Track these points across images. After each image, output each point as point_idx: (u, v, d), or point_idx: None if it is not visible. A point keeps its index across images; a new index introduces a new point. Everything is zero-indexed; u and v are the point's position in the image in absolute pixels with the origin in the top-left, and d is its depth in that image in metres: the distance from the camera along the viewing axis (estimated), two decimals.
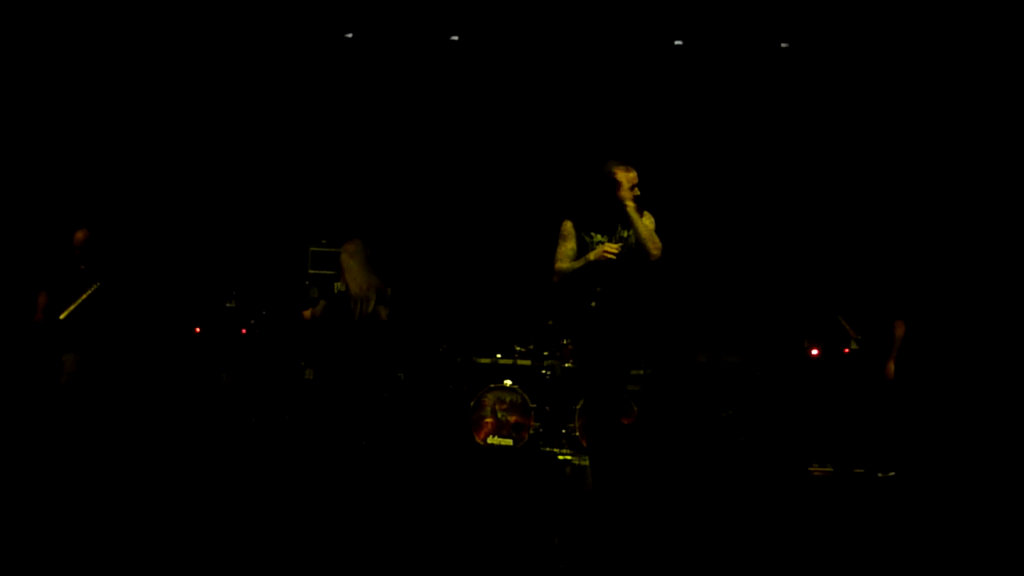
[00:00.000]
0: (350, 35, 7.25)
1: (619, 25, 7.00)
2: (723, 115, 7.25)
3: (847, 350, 5.81)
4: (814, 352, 6.08)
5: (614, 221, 3.97)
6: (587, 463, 5.24)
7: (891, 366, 5.73)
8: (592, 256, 3.89)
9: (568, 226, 4.01)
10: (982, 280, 6.62)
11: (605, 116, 7.21)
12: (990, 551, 3.55)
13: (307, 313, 5.50)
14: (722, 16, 6.87)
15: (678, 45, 7.17)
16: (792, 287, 6.81)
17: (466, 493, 4.61)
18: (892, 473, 5.54)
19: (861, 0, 6.54)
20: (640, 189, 3.96)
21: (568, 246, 3.97)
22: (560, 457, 6.06)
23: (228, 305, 6.85)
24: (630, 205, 3.91)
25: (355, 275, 5.36)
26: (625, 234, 3.97)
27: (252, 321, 6.84)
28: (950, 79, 6.79)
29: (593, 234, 3.96)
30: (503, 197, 7.30)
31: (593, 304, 3.96)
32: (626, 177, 3.93)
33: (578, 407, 6.18)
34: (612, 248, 3.86)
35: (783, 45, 7.10)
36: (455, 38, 7.28)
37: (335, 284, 5.35)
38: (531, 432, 6.16)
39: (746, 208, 7.18)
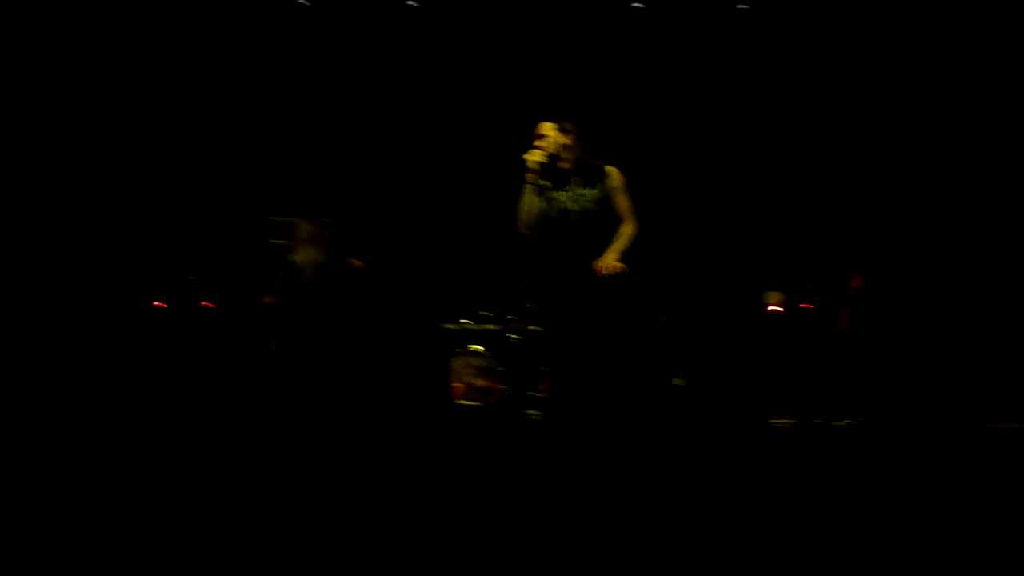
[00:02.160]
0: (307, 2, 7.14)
1: None
2: (682, 76, 7.28)
3: (804, 304, 5.96)
4: (772, 308, 6.22)
5: (565, 176, 4.13)
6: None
7: (844, 316, 5.86)
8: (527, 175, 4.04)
9: (527, 188, 4.14)
10: (940, 232, 6.79)
11: (564, 78, 7.20)
12: (950, 499, 3.67)
13: (268, 299, 5.50)
14: None
15: (637, 7, 7.19)
16: (749, 243, 6.93)
17: (439, 452, 4.66)
18: (850, 422, 5.71)
19: None
20: (556, 138, 4.10)
21: (531, 199, 4.11)
22: (529, 414, 6.10)
23: (189, 279, 6.76)
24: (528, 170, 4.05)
25: (304, 247, 5.41)
26: (584, 191, 4.09)
27: (213, 294, 6.77)
28: (913, 35, 6.89)
29: (550, 193, 4.12)
30: (465, 160, 7.28)
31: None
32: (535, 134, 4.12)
33: (545, 369, 6.24)
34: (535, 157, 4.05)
35: (741, 6, 7.17)
36: (413, 3, 7.22)
37: (288, 255, 5.38)
38: (500, 396, 6.22)
39: (703, 166, 7.26)
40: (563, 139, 4.09)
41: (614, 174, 4.15)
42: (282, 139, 7.33)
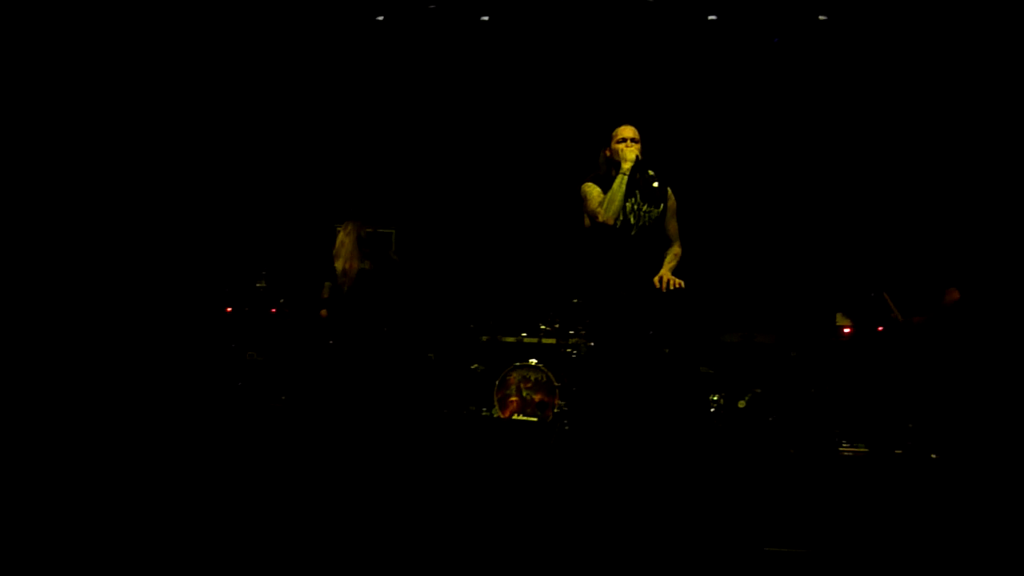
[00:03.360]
0: (381, 17, 7.27)
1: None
2: (750, 89, 7.07)
3: (880, 328, 5.63)
4: (846, 331, 5.90)
5: (630, 187, 3.96)
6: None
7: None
8: (623, 162, 3.89)
9: (588, 184, 4.04)
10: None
11: (627, 94, 7.10)
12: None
13: (324, 312, 5.58)
14: None
15: (712, 20, 7.03)
16: (824, 264, 6.63)
17: (486, 469, 4.59)
18: (933, 455, 5.35)
19: None
20: (642, 144, 3.97)
21: (598, 191, 3.96)
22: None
23: (258, 285, 6.93)
24: (626, 160, 3.90)
25: (344, 255, 5.45)
26: (645, 207, 3.96)
27: (281, 300, 6.92)
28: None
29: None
30: (528, 175, 7.25)
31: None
32: (617, 133, 4.02)
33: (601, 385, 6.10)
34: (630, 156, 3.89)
35: (821, 18, 6.91)
36: (485, 18, 7.25)
37: (336, 264, 5.43)
38: (556, 411, 6.11)
39: (775, 184, 7.01)
40: (626, 133, 4.03)
41: (671, 196, 4.12)
42: (353, 152, 7.47)
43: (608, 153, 4.09)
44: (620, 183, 3.91)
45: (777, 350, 6.43)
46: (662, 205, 4.04)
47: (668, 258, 4.12)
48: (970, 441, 5.47)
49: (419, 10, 7.14)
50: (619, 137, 4.04)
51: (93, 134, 6.91)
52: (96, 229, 6.77)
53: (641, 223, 3.98)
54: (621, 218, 3.92)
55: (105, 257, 6.75)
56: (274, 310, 6.93)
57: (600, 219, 3.93)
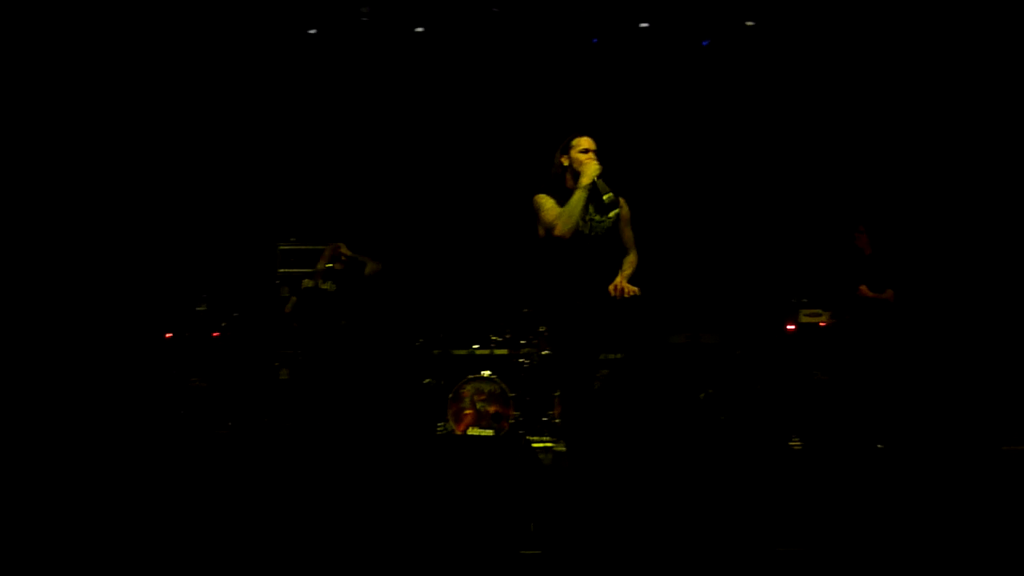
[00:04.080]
0: (313, 31, 7.16)
1: (582, 8, 6.96)
2: (691, 95, 7.23)
3: (823, 323, 5.81)
4: (790, 327, 6.07)
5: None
6: (564, 449, 5.20)
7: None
8: (583, 176, 3.80)
9: (542, 196, 3.92)
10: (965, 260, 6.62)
11: (571, 101, 7.17)
12: (968, 521, 3.53)
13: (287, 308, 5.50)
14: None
15: (644, 27, 7.15)
16: (767, 264, 6.81)
17: (444, 484, 4.54)
18: (868, 444, 5.53)
19: None
20: (599, 155, 3.89)
21: (553, 203, 3.87)
22: (537, 445, 6.00)
23: (199, 309, 6.73)
24: (586, 175, 3.82)
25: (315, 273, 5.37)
26: (597, 217, 3.93)
27: (223, 324, 6.73)
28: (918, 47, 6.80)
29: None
30: (470, 187, 7.24)
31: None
32: (577, 143, 3.91)
33: (557, 394, 6.13)
34: (592, 169, 3.81)
35: (748, 23, 7.10)
36: (419, 29, 7.21)
37: (303, 281, 5.30)
38: (511, 422, 6.10)
39: (715, 186, 7.17)
40: (586, 143, 3.95)
41: (624, 205, 4.05)
42: (292, 167, 7.33)
43: (565, 162, 3.97)
44: (579, 198, 3.83)
45: (723, 349, 6.57)
46: (614, 214, 4.00)
47: (624, 266, 4.08)
48: (913, 432, 5.69)
49: (353, 22, 7.07)
50: (580, 148, 3.93)
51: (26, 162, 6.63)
52: (30, 254, 6.49)
53: (593, 233, 3.96)
54: (589, 226, 3.91)
55: (39, 284, 6.47)
56: (216, 334, 6.74)
57: (556, 232, 3.85)
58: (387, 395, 6.47)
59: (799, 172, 7.10)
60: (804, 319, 6.10)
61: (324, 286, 5.63)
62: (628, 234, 4.15)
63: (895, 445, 5.53)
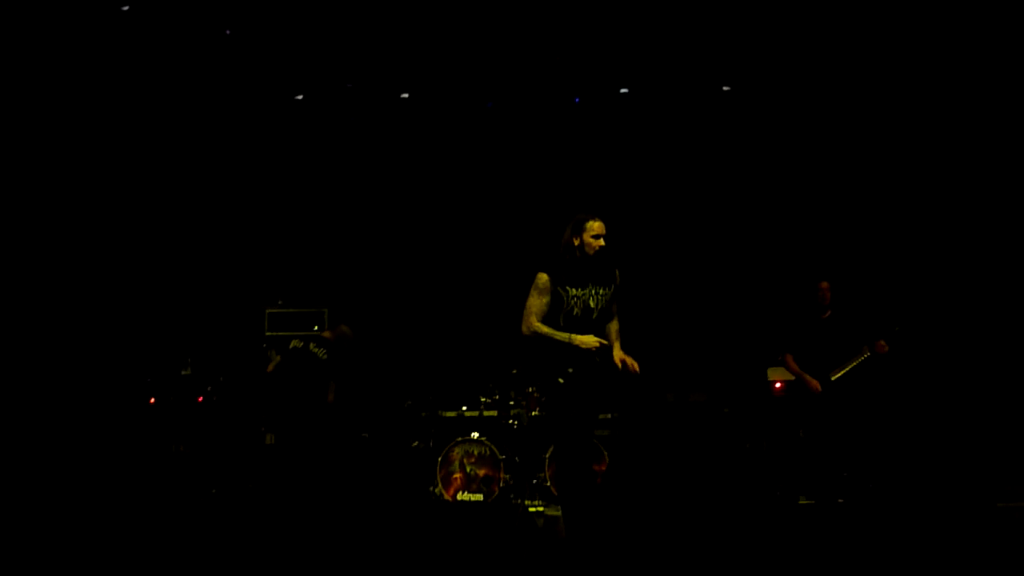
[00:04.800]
0: (300, 96, 7.28)
1: (570, 75, 7.15)
2: (675, 156, 7.39)
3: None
4: (777, 385, 6.11)
5: (587, 275, 4.01)
6: (559, 513, 5.15)
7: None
8: (576, 341, 3.91)
9: (543, 279, 3.95)
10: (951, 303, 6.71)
11: (560, 164, 7.31)
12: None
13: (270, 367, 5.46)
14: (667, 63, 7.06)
15: (624, 92, 7.35)
16: (752, 318, 6.88)
17: (436, 551, 4.47)
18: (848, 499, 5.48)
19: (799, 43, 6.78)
20: (606, 239, 4.01)
21: (543, 300, 3.95)
22: (531, 509, 5.92)
23: (183, 373, 6.66)
24: (586, 342, 3.93)
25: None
26: (601, 291, 4.03)
27: (209, 388, 6.66)
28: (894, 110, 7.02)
29: (568, 288, 3.97)
30: (455, 249, 7.31)
31: (561, 380, 3.98)
32: (591, 227, 3.99)
33: (548, 455, 6.08)
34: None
35: (725, 88, 7.32)
36: (405, 95, 7.36)
37: (292, 341, 5.27)
38: (502, 484, 6.04)
39: (701, 245, 7.29)
40: (598, 228, 4.03)
41: (618, 275, 4.15)
42: (278, 232, 7.36)
43: (576, 242, 4.01)
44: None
45: (711, 407, 6.59)
46: (612, 285, 4.12)
47: (614, 336, 4.17)
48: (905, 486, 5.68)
49: (339, 89, 7.20)
50: (592, 232, 4.00)
51: None
52: (17, 316, 6.42)
53: (600, 306, 4.06)
54: (580, 307, 4.00)
55: (22, 348, 6.39)
56: (201, 399, 6.66)
57: (522, 327, 3.97)
58: (375, 459, 6.40)
59: (779, 229, 7.23)
60: (791, 376, 6.14)
61: (315, 350, 5.59)
62: (615, 304, 4.21)
63: (891, 502, 5.52)
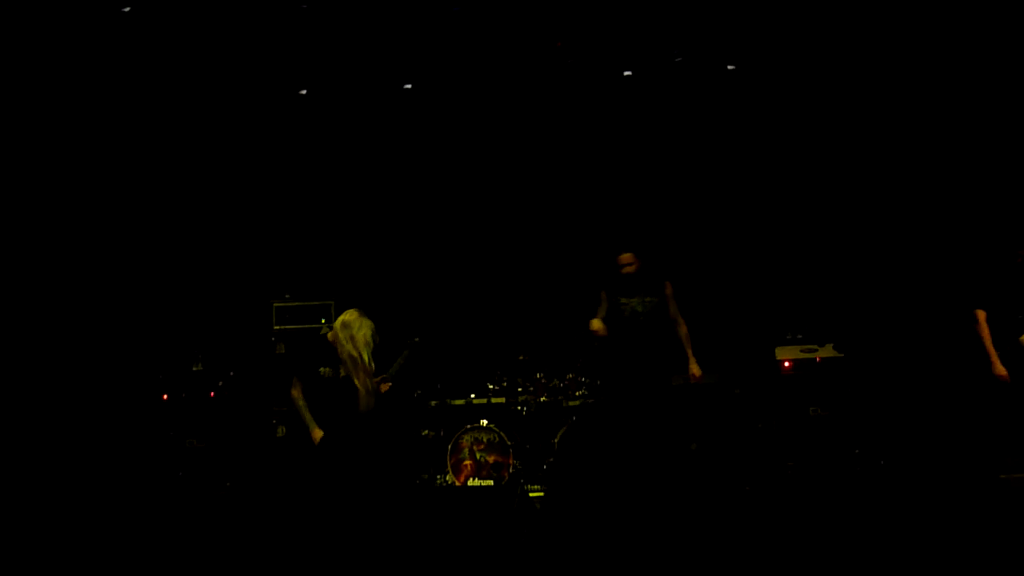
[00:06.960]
0: (304, 91, 7.27)
1: (571, 59, 7.08)
2: (684, 139, 7.29)
3: (819, 358, 5.79)
4: (786, 364, 6.05)
5: (635, 287, 5.31)
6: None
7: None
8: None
9: (602, 295, 5.38)
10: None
11: (567, 150, 7.26)
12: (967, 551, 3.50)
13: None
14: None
15: (627, 75, 7.26)
16: (760, 301, 6.81)
17: (446, 538, 4.49)
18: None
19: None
20: (647, 260, 5.32)
21: (601, 308, 5.33)
22: (531, 495, 5.87)
23: (194, 369, 6.71)
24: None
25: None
26: (647, 299, 5.28)
27: (220, 383, 6.71)
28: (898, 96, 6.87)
29: (620, 298, 5.31)
30: (462, 240, 7.30)
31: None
32: (618, 260, 5.29)
33: (556, 440, 6.09)
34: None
35: (729, 67, 7.21)
36: (408, 86, 7.33)
37: (321, 369, 4.62)
38: (511, 470, 6.05)
39: (712, 229, 7.21)
40: (624, 260, 5.29)
41: (668, 285, 5.33)
42: (286, 224, 7.38)
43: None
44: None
45: (721, 389, 6.53)
46: (659, 293, 5.32)
47: (685, 343, 5.34)
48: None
49: (345, 83, 7.19)
50: (619, 264, 5.31)
51: None
52: (28, 313, 6.51)
53: (646, 309, 5.29)
54: (629, 311, 5.29)
55: (33, 344, 6.47)
56: (213, 394, 6.71)
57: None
58: (386, 448, 6.42)
59: (788, 207, 7.13)
60: (800, 355, 6.09)
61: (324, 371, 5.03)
62: (674, 307, 5.36)
63: (894, 474, 5.48)
